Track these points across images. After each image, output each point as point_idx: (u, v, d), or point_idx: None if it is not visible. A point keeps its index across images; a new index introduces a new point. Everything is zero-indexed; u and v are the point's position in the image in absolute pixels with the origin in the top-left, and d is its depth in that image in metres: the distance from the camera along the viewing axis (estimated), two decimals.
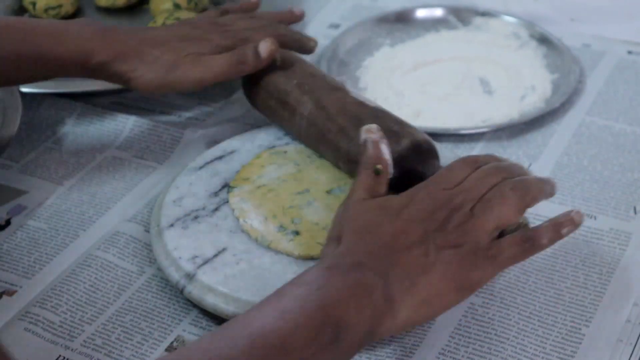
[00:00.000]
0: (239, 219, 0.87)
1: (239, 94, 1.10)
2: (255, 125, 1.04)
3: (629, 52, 1.14)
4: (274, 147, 0.96)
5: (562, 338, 0.80)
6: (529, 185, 0.76)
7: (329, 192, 0.89)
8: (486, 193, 0.75)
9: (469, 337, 0.81)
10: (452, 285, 0.72)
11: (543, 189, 0.78)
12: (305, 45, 1.02)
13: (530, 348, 0.79)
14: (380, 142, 0.81)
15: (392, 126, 0.86)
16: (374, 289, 0.69)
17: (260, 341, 0.65)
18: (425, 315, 0.73)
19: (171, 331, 0.83)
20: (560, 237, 0.75)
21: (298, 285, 0.70)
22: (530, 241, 0.74)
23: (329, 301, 0.67)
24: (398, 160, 0.82)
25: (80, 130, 1.06)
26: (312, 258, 0.83)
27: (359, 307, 0.68)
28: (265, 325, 0.66)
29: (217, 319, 0.83)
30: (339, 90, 0.92)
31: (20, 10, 1.26)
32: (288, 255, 0.84)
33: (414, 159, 0.84)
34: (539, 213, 0.91)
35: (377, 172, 0.79)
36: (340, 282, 0.69)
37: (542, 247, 0.75)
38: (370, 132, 0.81)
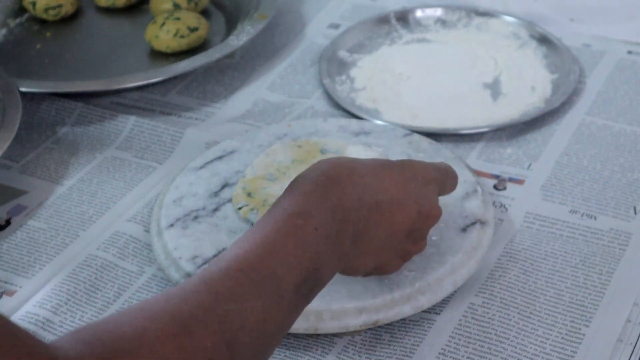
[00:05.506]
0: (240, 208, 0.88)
1: (239, 94, 1.10)
2: (255, 125, 1.04)
3: (629, 52, 1.14)
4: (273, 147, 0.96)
5: (562, 338, 0.80)
6: None
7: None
8: None
9: (469, 337, 0.81)
10: (374, 264, 0.76)
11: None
12: None
13: (530, 348, 0.79)
14: None
15: None
16: (345, 250, 0.69)
17: (250, 272, 0.62)
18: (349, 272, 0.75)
19: None
20: None
21: (297, 216, 0.67)
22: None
23: (322, 248, 0.66)
24: None
25: (80, 130, 1.06)
26: None
27: (333, 262, 0.68)
28: (256, 255, 0.63)
29: None
30: None
31: (20, 11, 1.25)
32: None
33: None
34: (539, 213, 0.91)
35: None
36: (333, 232, 0.68)
37: None
38: None
